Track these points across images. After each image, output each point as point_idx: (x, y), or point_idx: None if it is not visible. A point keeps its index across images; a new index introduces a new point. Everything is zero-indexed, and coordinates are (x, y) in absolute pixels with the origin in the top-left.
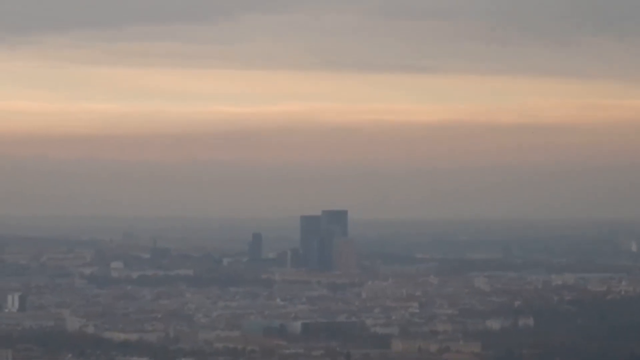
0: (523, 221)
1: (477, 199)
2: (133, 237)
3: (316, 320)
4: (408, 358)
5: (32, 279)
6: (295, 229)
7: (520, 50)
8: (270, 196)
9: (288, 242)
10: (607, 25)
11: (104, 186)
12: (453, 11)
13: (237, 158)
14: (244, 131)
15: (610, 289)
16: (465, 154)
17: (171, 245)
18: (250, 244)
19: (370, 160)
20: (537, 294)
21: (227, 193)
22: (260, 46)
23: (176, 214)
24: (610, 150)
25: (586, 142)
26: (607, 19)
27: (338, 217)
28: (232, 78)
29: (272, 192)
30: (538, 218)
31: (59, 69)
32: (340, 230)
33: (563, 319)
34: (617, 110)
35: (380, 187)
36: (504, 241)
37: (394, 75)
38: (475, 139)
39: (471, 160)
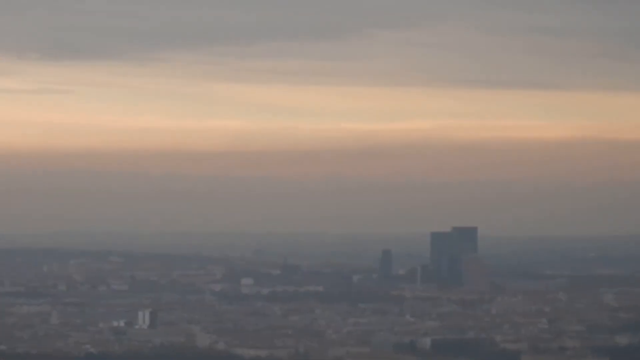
0: None
1: (605, 215)
2: (263, 254)
3: (446, 336)
4: None
5: (163, 296)
6: (425, 245)
7: None
8: (400, 212)
9: (418, 259)
10: None
11: (234, 203)
12: (578, 28)
13: (366, 174)
14: (373, 148)
15: None
16: (593, 171)
17: (301, 262)
18: (380, 260)
19: (499, 176)
20: None
21: (356, 209)
22: (389, 63)
23: (306, 230)
24: None
25: None
26: None
27: (468, 234)
28: (361, 95)
29: (402, 209)
30: None
31: (188, 86)
32: (470, 246)
33: None
34: None
35: (509, 204)
36: (632, 257)
37: (522, 92)
38: (602, 155)
39: (599, 177)
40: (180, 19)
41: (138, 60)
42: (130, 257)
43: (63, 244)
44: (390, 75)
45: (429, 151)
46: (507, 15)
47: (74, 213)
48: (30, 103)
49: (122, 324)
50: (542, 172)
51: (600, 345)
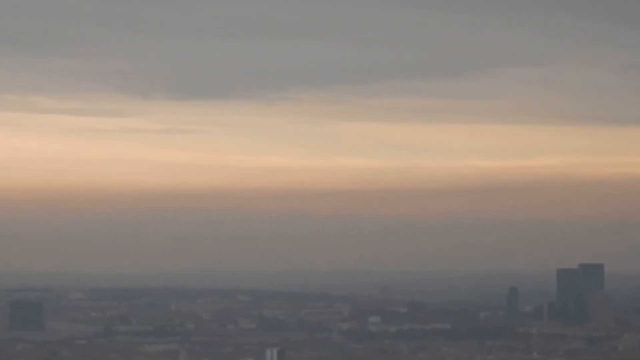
0: None
1: None
2: (390, 292)
3: None
4: None
5: (291, 334)
6: (552, 282)
7: None
8: (526, 249)
9: (544, 296)
10: None
11: (360, 241)
12: None
13: (491, 212)
14: (499, 185)
15: None
16: None
17: (428, 300)
18: (507, 297)
19: (626, 213)
20: None
21: (482, 246)
22: (514, 101)
23: (432, 268)
24: None
25: None
26: None
27: (594, 271)
28: (486, 132)
29: (528, 245)
30: None
31: (314, 125)
32: (596, 283)
33: None
34: None
35: (635, 241)
36: None
37: None
38: None
39: None
40: (306, 59)
41: (265, 99)
42: (257, 295)
43: (191, 283)
44: (515, 112)
45: (555, 188)
46: (633, 53)
47: (201, 252)
48: (156, 143)
49: None
50: None
51: None
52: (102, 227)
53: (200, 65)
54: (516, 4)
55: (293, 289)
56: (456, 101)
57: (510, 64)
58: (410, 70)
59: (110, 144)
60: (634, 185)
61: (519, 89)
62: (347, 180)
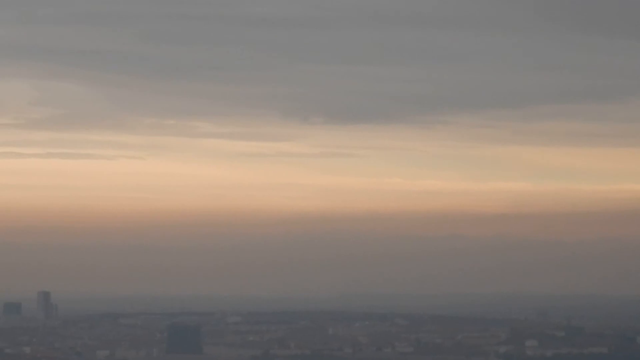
0: None
1: None
2: (547, 315)
3: None
4: None
5: (448, 358)
6: None
7: None
8: None
9: None
10: None
11: (516, 264)
12: None
13: None
14: None
15: None
16: None
17: (585, 323)
18: None
19: None
20: None
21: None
22: None
23: (589, 291)
24: None
25: None
26: None
27: None
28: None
29: None
30: None
31: (471, 149)
32: None
33: None
34: None
35: None
36: None
37: None
38: None
39: None
40: (463, 83)
41: (421, 123)
42: (414, 319)
43: (348, 306)
44: None
45: None
46: None
47: (359, 275)
48: (314, 167)
49: None
50: None
51: None
52: (260, 250)
53: (358, 89)
54: None
55: (450, 313)
56: (612, 125)
57: None
58: (565, 95)
59: (268, 168)
60: None
61: None
62: (503, 204)
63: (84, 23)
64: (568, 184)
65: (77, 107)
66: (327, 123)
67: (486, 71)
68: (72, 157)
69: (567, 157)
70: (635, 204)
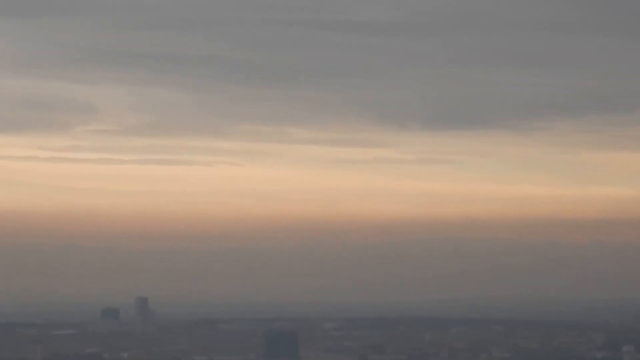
0: None
1: None
2: None
3: None
4: None
5: None
6: None
7: None
8: None
9: None
10: None
11: (614, 269)
12: None
13: None
14: None
15: None
16: None
17: None
18: None
19: None
20: None
21: None
22: None
23: None
24: None
25: None
26: None
27: None
28: None
29: None
30: None
31: (568, 154)
32: None
33: None
34: None
35: None
36: None
37: None
38: None
39: None
40: (560, 88)
41: (518, 129)
42: (511, 325)
43: (444, 312)
44: None
45: None
46: None
47: (455, 281)
48: (411, 173)
49: None
50: None
51: None
52: (356, 256)
53: (454, 95)
54: None
55: (547, 318)
56: None
57: None
58: None
59: (364, 173)
60: None
61: None
62: (601, 209)
63: (183, 29)
64: None
65: (174, 113)
66: (424, 129)
67: (585, 76)
68: (169, 163)
69: None
70: None
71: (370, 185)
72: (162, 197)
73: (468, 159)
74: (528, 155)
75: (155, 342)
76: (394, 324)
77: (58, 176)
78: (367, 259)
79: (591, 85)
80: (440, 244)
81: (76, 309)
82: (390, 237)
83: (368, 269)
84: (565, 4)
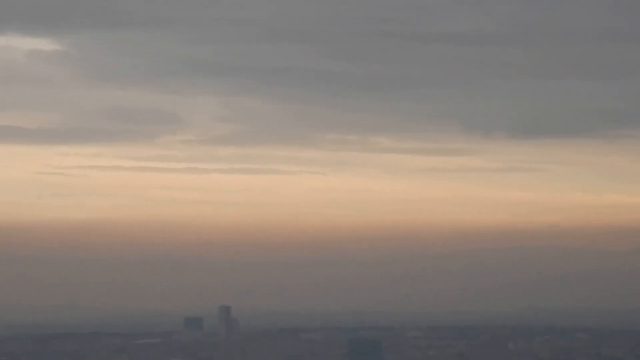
0: None
1: None
2: None
3: None
4: None
5: None
6: None
7: None
8: None
9: None
10: None
11: None
12: None
13: None
14: None
15: None
16: None
17: None
18: None
19: None
20: None
21: None
22: None
23: None
24: None
25: None
26: None
27: None
28: None
29: None
30: None
31: None
32: None
33: None
34: None
35: None
36: None
37: None
38: None
39: None
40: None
41: (605, 137)
42: (596, 333)
43: (529, 321)
44: None
45: None
46: None
47: (540, 289)
48: (496, 181)
49: None
50: None
51: None
52: (440, 264)
53: (540, 104)
54: None
55: (632, 327)
56: None
57: None
58: None
59: (449, 182)
60: None
61: None
62: None
63: (272, 40)
64: None
65: (260, 123)
66: (510, 138)
67: None
68: (255, 173)
69: None
70: None
71: (455, 194)
72: (247, 207)
73: (554, 168)
74: (615, 164)
75: (238, 351)
76: (479, 333)
77: (143, 186)
78: (451, 267)
79: None
80: (526, 252)
81: (160, 318)
82: (476, 246)
83: (453, 278)
84: None
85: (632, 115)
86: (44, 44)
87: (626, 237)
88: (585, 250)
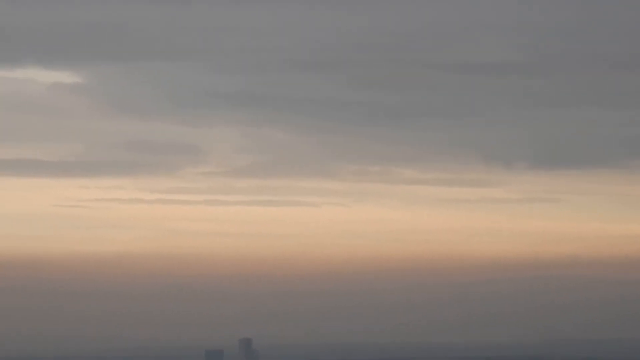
0: None
1: None
2: None
3: None
4: None
5: None
6: None
7: None
8: None
9: None
10: None
11: None
12: None
13: None
14: None
15: None
16: None
17: None
18: None
19: None
20: None
21: None
22: None
23: None
24: None
25: None
26: None
27: None
28: None
29: None
30: None
31: None
32: None
33: None
34: None
35: None
36: None
37: None
38: None
39: None
40: None
41: (625, 167)
42: None
43: (552, 352)
44: None
45: None
46: None
47: (561, 321)
48: (517, 212)
49: None
50: None
51: None
52: (461, 294)
53: (562, 133)
54: None
55: None
56: None
57: None
58: None
59: (471, 213)
60: None
61: None
62: None
63: (293, 70)
64: None
65: (282, 153)
66: (531, 168)
67: None
68: (276, 205)
69: None
70: None
71: (477, 225)
72: (268, 238)
73: (575, 198)
74: (636, 194)
75: None
76: None
77: (163, 218)
78: (472, 297)
79: None
80: (545, 282)
81: (181, 351)
82: (496, 276)
83: (474, 308)
84: None
85: None
86: (64, 77)
87: None
88: (605, 280)
